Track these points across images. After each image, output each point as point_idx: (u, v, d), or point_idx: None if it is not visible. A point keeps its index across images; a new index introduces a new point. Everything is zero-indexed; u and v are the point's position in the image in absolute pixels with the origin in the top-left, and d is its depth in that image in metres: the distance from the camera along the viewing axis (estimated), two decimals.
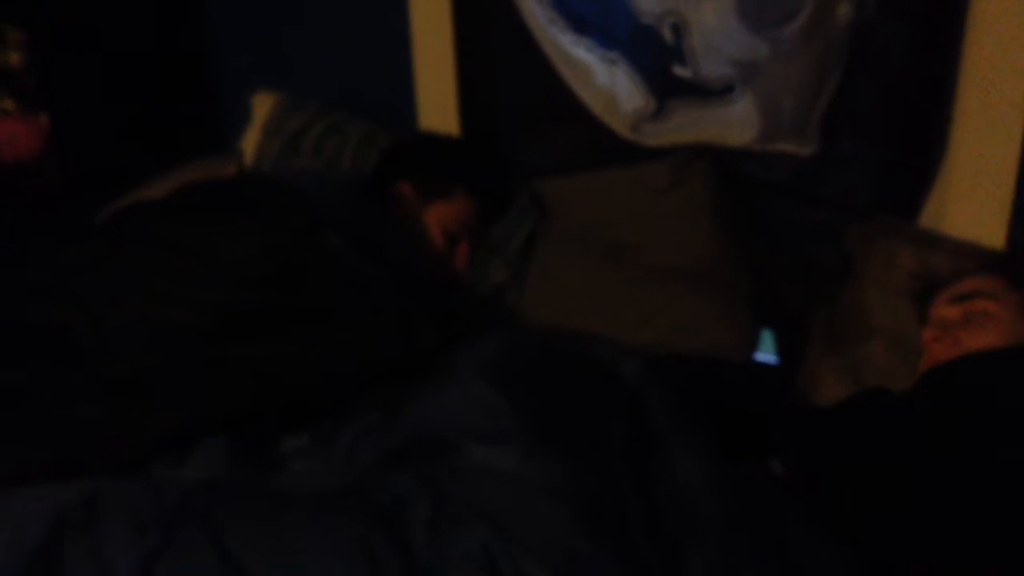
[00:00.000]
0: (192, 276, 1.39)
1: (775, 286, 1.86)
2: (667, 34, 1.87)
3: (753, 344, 1.83)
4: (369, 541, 0.94)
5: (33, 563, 0.92)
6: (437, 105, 2.13)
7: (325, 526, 0.96)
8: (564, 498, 0.95)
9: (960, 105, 1.62)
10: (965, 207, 1.65)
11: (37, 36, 2.24)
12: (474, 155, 1.96)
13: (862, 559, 0.97)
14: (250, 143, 2.11)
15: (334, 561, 0.93)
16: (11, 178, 2.35)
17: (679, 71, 1.89)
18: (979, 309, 1.38)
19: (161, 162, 2.14)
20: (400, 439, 1.09)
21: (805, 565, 0.91)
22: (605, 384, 1.08)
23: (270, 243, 1.44)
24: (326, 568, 0.93)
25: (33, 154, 2.41)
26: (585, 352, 1.13)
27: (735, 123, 1.86)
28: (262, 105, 2.15)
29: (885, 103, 1.71)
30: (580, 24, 1.96)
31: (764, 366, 1.87)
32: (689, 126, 1.91)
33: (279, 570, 0.93)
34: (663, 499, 0.96)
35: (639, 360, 1.15)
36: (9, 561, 0.93)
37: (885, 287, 1.65)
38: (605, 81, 1.97)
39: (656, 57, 1.89)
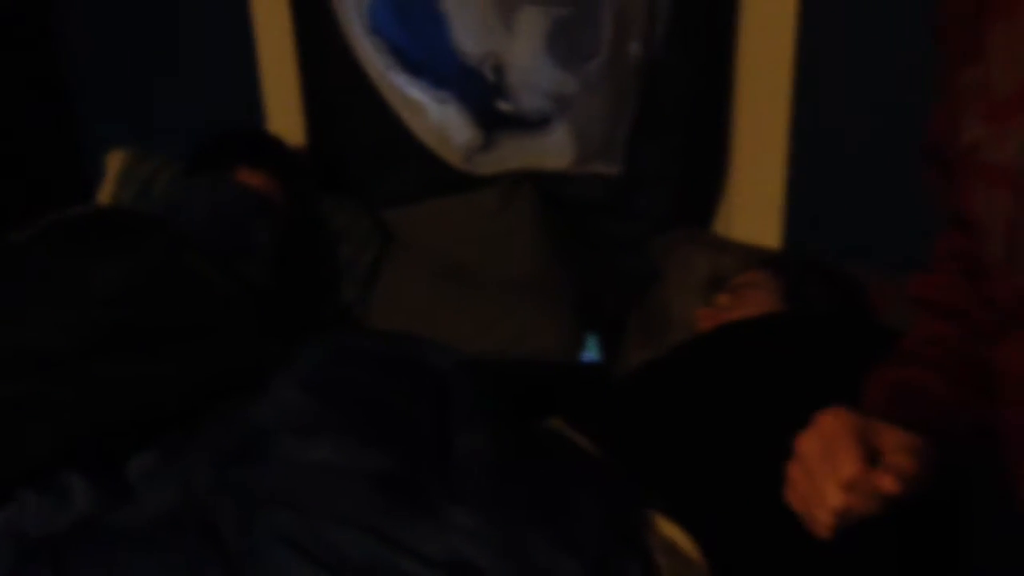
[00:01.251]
0: (61, 301, 1.49)
1: (596, 294, 2.06)
2: (489, 74, 2.07)
3: (579, 346, 2.03)
4: (195, 558, 1.05)
5: None
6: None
7: (154, 557, 1.06)
8: (367, 478, 1.09)
9: (737, 126, 1.85)
10: (747, 215, 1.88)
11: None
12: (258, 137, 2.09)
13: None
14: (105, 195, 2.20)
15: None
16: None
17: (502, 106, 2.09)
18: (742, 296, 1.61)
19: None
20: (230, 446, 1.22)
21: (577, 515, 1.08)
22: (414, 377, 1.24)
23: (132, 266, 1.55)
24: None
25: None
26: (399, 351, 1.29)
27: (553, 150, 2.06)
28: (115, 160, 2.22)
29: (676, 125, 1.93)
30: (413, 67, 2.14)
31: (589, 365, 2.07)
32: (514, 155, 2.11)
33: None
34: (462, 472, 1.12)
35: (449, 355, 1.32)
36: None
37: (684, 287, 1.86)
38: (438, 118, 2.15)
39: (481, 95, 2.09)
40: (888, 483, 0.91)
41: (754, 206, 1.87)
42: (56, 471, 1.26)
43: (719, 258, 1.85)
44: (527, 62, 2.01)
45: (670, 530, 1.11)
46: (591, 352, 2.08)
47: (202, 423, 1.32)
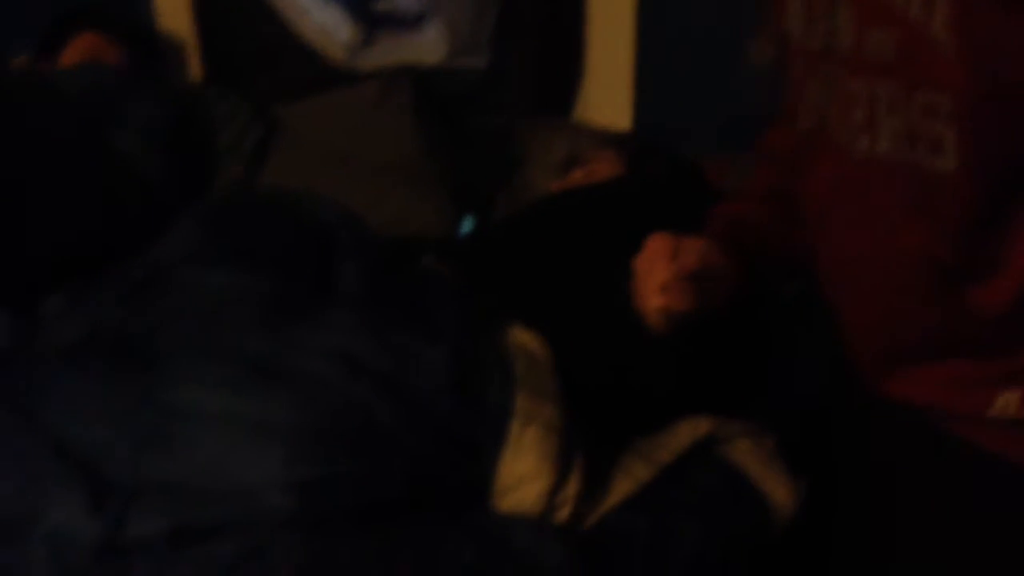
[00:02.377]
0: None
1: (469, 178, 2.25)
2: None
3: (455, 225, 2.22)
4: (102, 365, 1.20)
5: None
6: (179, 50, 2.39)
7: (71, 371, 1.20)
8: (260, 296, 1.27)
9: (590, 21, 2.06)
10: (601, 102, 2.10)
11: None
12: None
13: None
14: None
15: (80, 389, 1.18)
16: None
17: (380, 5, 2.25)
18: (591, 170, 1.83)
19: None
20: (133, 280, 1.36)
21: (438, 315, 1.28)
22: (301, 219, 1.42)
23: None
24: (75, 395, 1.17)
25: None
26: (288, 199, 1.47)
27: (428, 45, 2.23)
28: None
29: (535, 22, 2.12)
30: None
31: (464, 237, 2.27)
32: (391, 51, 2.27)
33: (48, 404, 1.18)
34: (343, 289, 1.31)
35: (336, 207, 1.50)
36: None
37: (545, 167, 2.06)
38: (320, 18, 2.30)
39: None
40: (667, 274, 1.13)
41: (606, 94, 2.08)
42: None
43: (576, 140, 2.06)
44: None
45: (521, 335, 1.32)
46: (467, 230, 2.28)
47: (102, 268, 1.47)
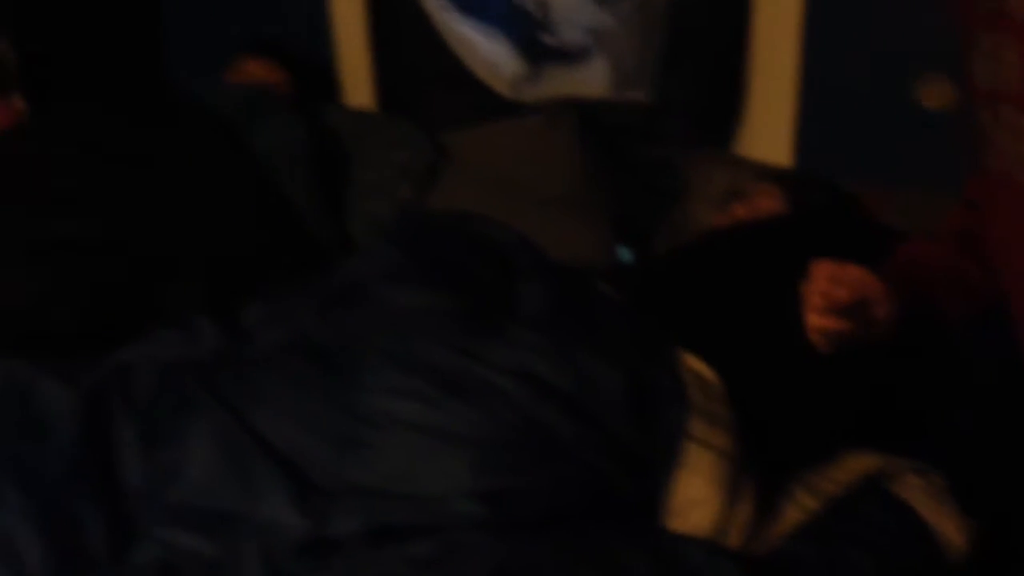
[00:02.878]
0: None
1: (628, 208, 2.30)
2: (535, 10, 2.31)
3: (613, 254, 2.27)
4: (305, 372, 1.30)
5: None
6: (355, 78, 2.52)
7: (274, 372, 1.31)
8: (447, 313, 1.34)
9: (753, 57, 2.08)
10: (762, 136, 2.12)
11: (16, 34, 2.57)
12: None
13: None
14: None
15: (285, 393, 1.30)
16: None
17: (546, 40, 2.32)
18: (755, 205, 1.85)
19: None
20: (329, 293, 1.47)
21: (615, 336, 1.33)
22: (481, 241, 1.49)
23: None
24: (280, 399, 1.27)
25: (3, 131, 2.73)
26: (467, 223, 1.55)
27: (592, 79, 2.30)
28: None
29: (700, 57, 2.16)
30: (465, 6, 2.38)
31: (622, 266, 2.31)
32: (557, 84, 2.34)
33: (257, 406, 1.29)
34: (524, 308, 1.37)
35: (511, 231, 1.57)
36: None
37: (705, 199, 2.09)
38: (488, 52, 2.39)
39: (527, 29, 2.32)
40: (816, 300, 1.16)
41: (768, 129, 2.10)
42: (185, 316, 1.53)
43: (736, 173, 2.08)
44: (568, 1, 2.25)
45: (694, 362, 1.36)
46: (625, 260, 2.32)
47: (299, 281, 1.58)
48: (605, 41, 2.25)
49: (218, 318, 1.50)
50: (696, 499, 1.22)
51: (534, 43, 2.33)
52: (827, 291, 1.19)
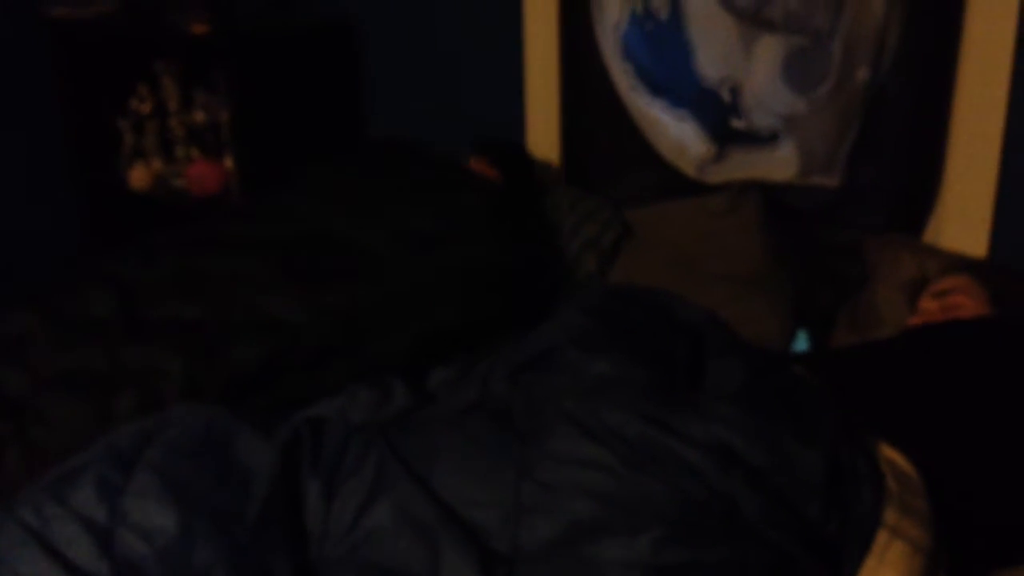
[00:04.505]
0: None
1: (809, 292, 2.25)
2: (726, 95, 2.31)
3: (792, 337, 2.22)
4: (488, 434, 1.30)
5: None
6: (546, 154, 2.59)
7: (458, 433, 1.32)
8: (637, 387, 1.33)
9: (952, 147, 2.02)
10: (956, 227, 2.04)
11: (232, 96, 2.76)
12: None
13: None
14: None
15: (467, 454, 1.29)
16: (201, 208, 2.86)
17: (735, 123, 2.32)
18: (952, 303, 1.77)
19: None
20: (520, 358, 1.48)
21: (814, 417, 1.29)
22: (670, 317, 1.49)
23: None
24: (452, 459, 1.28)
25: (216, 190, 2.93)
26: (657, 297, 1.54)
27: (779, 163, 2.28)
28: None
29: (895, 144, 2.11)
30: (656, 88, 2.41)
31: (799, 354, 2.25)
32: (743, 166, 2.33)
33: (439, 466, 1.31)
34: (717, 383, 1.35)
35: (699, 309, 1.56)
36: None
37: (892, 287, 2.02)
38: (676, 133, 2.41)
39: (717, 113, 2.33)
40: None
41: (963, 220, 2.02)
42: (381, 375, 1.58)
43: (924, 262, 2.01)
44: (762, 85, 2.24)
45: (891, 453, 1.31)
46: (801, 344, 2.27)
47: (491, 345, 1.60)
48: (796, 126, 2.23)
49: (410, 380, 1.54)
50: None
51: (722, 126, 2.33)
52: None
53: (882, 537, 1.19)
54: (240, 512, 1.18)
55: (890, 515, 1.20)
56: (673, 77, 2.38)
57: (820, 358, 1.71)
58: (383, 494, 1.24)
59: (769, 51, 2.21)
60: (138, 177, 3.02)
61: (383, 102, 2.85)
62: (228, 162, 2.91)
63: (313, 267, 1.92)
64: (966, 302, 1.77)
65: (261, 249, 1.96)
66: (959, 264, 1.95)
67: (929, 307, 1.82)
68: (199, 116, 3.01)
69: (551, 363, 1.42)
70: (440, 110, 2.72)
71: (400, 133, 2.67)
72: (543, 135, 2.56)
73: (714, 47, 2.29)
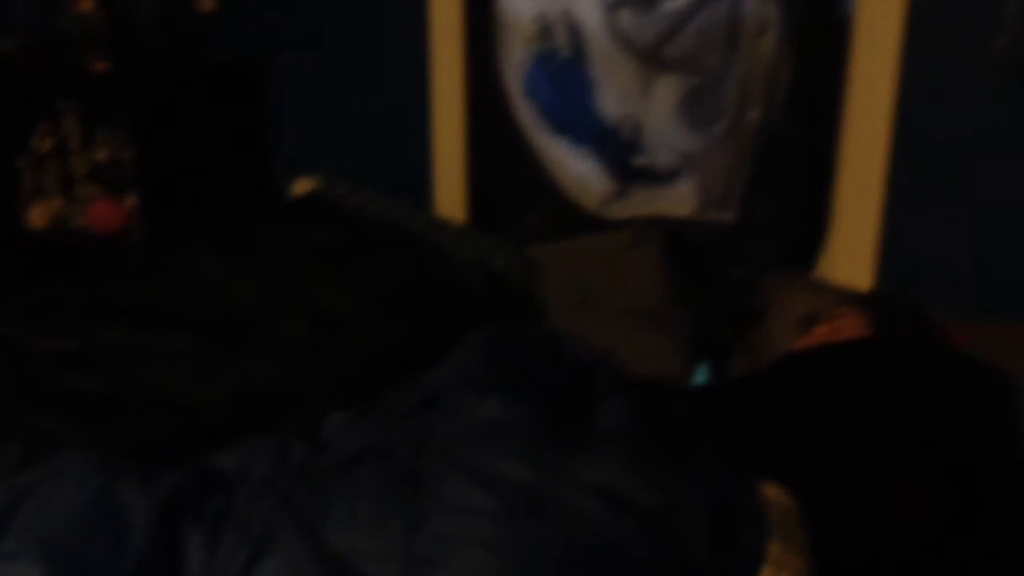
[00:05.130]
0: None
1: (710, 325, 2.28)
2: (626, 133, 2.35)
3: (691, 371, 2.25)
4: (378, 482, 1.27)
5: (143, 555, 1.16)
6: (449, 189, 2.59)
7: (344, 481, 1.29)
8: (527, 431, 1.33)
9: (840, 183, 2.08)
10: (845, 261, 2.10)
11: (135, 135, 2.71)
12: None
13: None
14: None
15: (357, 505, 1.25)
16: (100, 246, 2.80)
17: (636, 160, 2.36)
18: (836, 326, 1.82)
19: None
20: (410, 402, 1.45)
21: (698, 457, 1.31)
22: (562, 358, 1.50)
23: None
24: (344, 510, 1.24)
25: (118, 228, 2.87)
26: (551, 340, 1.55)
27: (679, 199, 2.32)
28: (302, 186, 2.58)
29: (787, 181, 2.17)
30: (559, 126, 2.44)
31: (700, 387, 2.28)
32: (644, 202, 2.37)
33: (329, 519, 1.28)
34: (605, 425, 1.36)
35: (591, 350, 1.57)
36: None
37: (785, 322, 2.06)
38: (579, 170, 2.44)
39: (618, 150, 2.37)
40: None
41: (851, 255, 2.08)
42: (282, 424, 1.55)
43: (817, 297, 2.06)
44: (661, 124, 2.29)
45: (772, 487, 1.33)
46: (702, 377, 2.30)
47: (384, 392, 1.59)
48: (693, 163, 2.27)
49: (305, 432, 1.51)
50: None
51: (624, 163, 2.37)
52: None
53: (767, 572, 1.20)
54: (116, 567, 1.15)
55: (774, 548, 1.22)
56: (576, 115, 2.41)
57: (712, 391, 1.74)
58: (271, 549, 1.20)
59: (667, 91, 2.26)
60: (38, 216, 2.94)
61: (290, 140, 2.83)
62: (130, 200, 2.86)
63: (220, 345, 1.86)
64: (851, 326, 1.82)
65: (168, 324, 1.91)
66: (848, 298, 2.01)
67: (818, 333, 1.86)
68: (101, 154, 2.94)
69: (441, 407, 1.41)
70: (346, 148, 2.71)
71: (307, 172, 2.65)
72: (448, 173, 2.57)
73: (615, 86, 2.33)
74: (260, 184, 2.86)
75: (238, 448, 1.47)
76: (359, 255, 2.13)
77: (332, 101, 2.71)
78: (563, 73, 2.40)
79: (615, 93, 2.33)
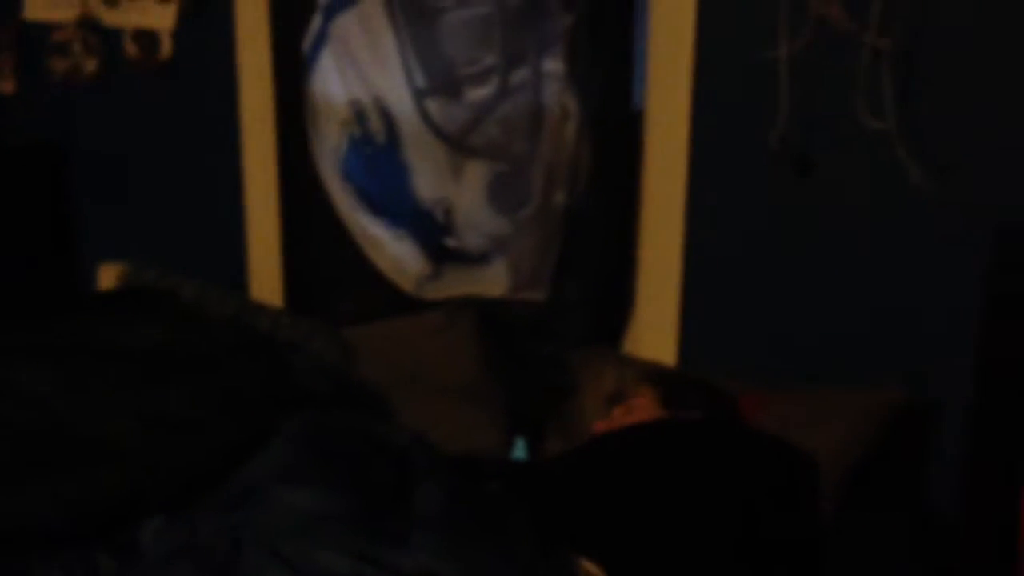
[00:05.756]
0: None
1: (525, 402, 2.34)
2: (440, 216, 2.41)
3: (508, 446, 2.30)
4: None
5: None
6: (265, 273, 2.57)
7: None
8: (343, 521, 1.33)
9: (642, 263, 2.19)
10: (649, 335, 2.21)
11: None
12: None
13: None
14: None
15: None
16: None
17: (450, 243, 2.42)
18: (632, 405, 1.92)
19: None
20: (226, 498, 1.44)
21: (513, 537, 1.34)
22: (378, 444, 1.51)
23: None
24: None
25: None
26: (365, 426, 1.56)
27: (491, 279, 2.38)
28: (109, 272, 2.50)
29: (593, 261, 2.27)
30: (375, 209, 2.47)
31: (517, 462, 2.33)
32: (459, 283, 2.42)
33: None
34: (422, 510, 1.37)
35: (406, 433, 1.59)
36: None
37: (596, 397, 2.14)
38: (395, 252, 2.47)
39: (432, 233, 2.42)
40: None
41: (655, 329, 2.19)
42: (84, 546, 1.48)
43: (623, 371, 2.15)
44: (472, 207, 2.36)
45: (586, 563, 1.38)
46: (520, 452, 2.35)
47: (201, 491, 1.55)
48: (504, 245, 2.35)
49: (114, 543, 1.46)
50: None
51: (438, 245, 2.42)
52: None
53: None
54: None
55: None
56: (391, 198, 2.45)
57: (522, 470, 1.78)
58: None
59: (476, 176, 2.33)
60: None
61: (96, 226, 2.74)
62: None
63: (50, 456, 1.74)
64: (644, 407, 1.92)
65: None
66: (649, 374, 2.10)
67: (615, 416, 1.95)
68: None
69: (257, 500, 1.40)
70: (157, 234, 2.65)
71: (115, 258, 2.57)
72: (264, 257, 2.55)
73: (427, 171, 2.39)
74: (65, 271, 2.76)
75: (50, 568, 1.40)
76: (186, 355, 2.04)
77: (139, 185, 2.65)
78: (378, 158, 2.44)
79: (428, 178, 2.39)
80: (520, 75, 2.26)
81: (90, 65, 2.55)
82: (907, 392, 1.90)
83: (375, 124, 2.43)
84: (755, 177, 2.03)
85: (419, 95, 2.34)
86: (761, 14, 1.93)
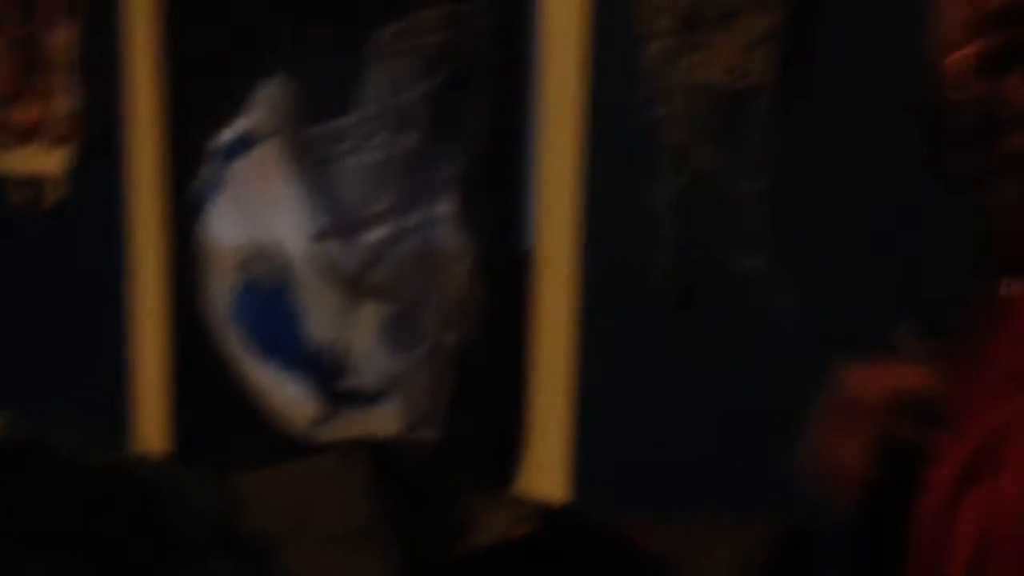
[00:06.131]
0: None
1: (421, 545, 2.29)
2: (334, 357, 2.40)
3: None
4: None
5: None
6: (150, 421, 2.50)
7: None
8: None
9: (532, 401, 2.22)
10: (541, 474, 2.21)
11: None
12: None
13: None
14: None
15: None
16: None
17: (344, 383, 2.40)
18: None
19: None
20: None
21: None
22: None
23: None
24: None
25: None
26: None
27: (386, 419, 2.36)
28: None
29: (484, 400, 2.28)
30: (266, 352, 2.45)
31: None
32: (353, 424, 2.40)
33: None
34: None
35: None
36: None
37: (491, 538, 2.12)
38: (286, 395, 2.44)
39: (326, 374, 2.40)
40: None
41: (546, 467, 2.20)
42: None
43: (515, 511, 2.14)
44: (366, 347, 2.36)
45: None
46: None
47: None
48: (398, 385, 2.34)
49: None
50: None
51: (332, 387, 2.40)
52: None
53: None
54: None
55: None
56: (283, 340, 2.43)
57: None
58: None
59: (370, 316, 2.34)
60: None
61: None
62: None
63: None
64: None
65: None
66: (541, 513, 2.10)
67: None
68: None
69: None
70: (36, 386, 2.56)
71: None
72: (149, 404, 2.49)
73: (322, 312, 2.39)
74: None
75: None
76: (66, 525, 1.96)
77: (17, 331, 2.58)
78: (270, 299, 2.43)
79: (322, 319, 2.39)
80: (414, 217, 2.31)
81: None
82: (791, 520, 1.94)
83: (269, 267, 2.43)
84: (640, 312, 2.10)
85: (315, 238, 2.37)
86: (642, 161, 2.04)
